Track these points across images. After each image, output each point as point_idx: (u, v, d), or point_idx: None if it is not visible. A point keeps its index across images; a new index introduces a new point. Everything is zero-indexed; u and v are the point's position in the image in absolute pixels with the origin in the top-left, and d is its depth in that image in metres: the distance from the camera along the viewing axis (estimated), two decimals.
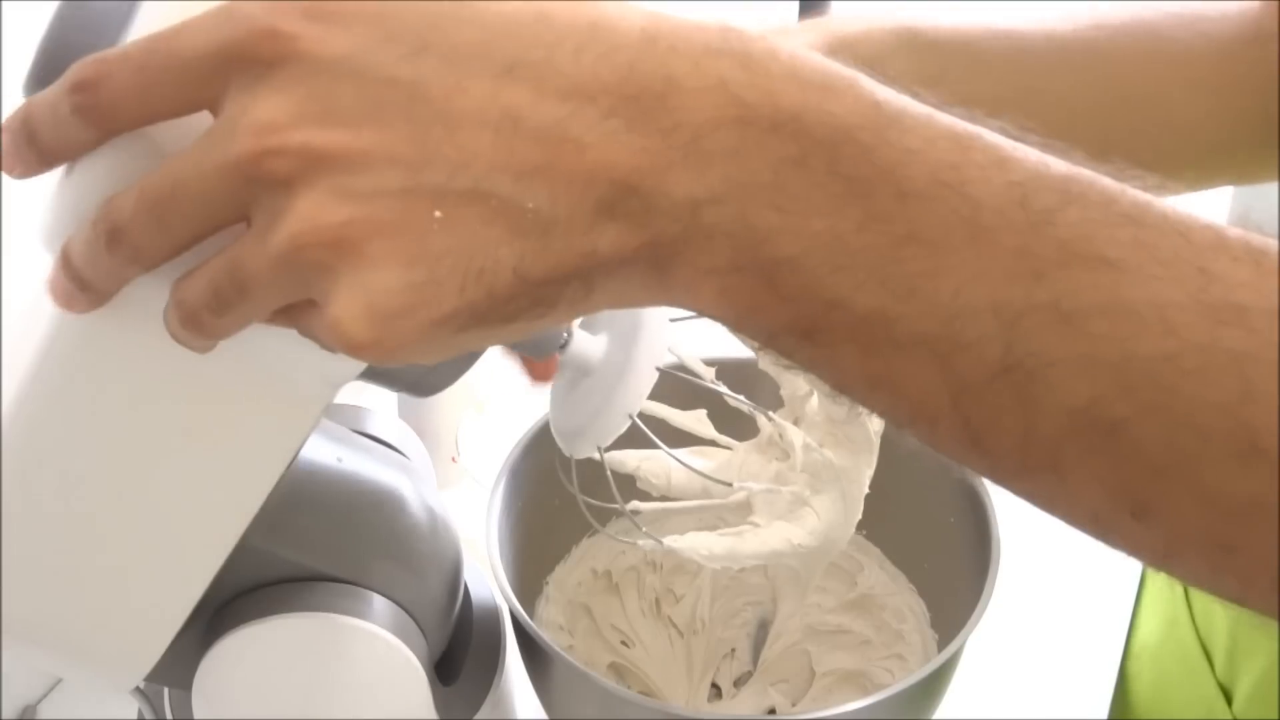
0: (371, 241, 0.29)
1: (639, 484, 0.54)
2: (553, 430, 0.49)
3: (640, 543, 0.54)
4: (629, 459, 0.52)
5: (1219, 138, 0.55)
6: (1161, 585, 0.75)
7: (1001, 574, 0.56)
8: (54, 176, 0.37)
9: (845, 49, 0.50)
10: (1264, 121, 0.54)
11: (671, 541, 0.52)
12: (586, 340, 0.46)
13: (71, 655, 0.45)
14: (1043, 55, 0.53)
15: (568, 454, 0.49)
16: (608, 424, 0.46)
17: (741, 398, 0.53)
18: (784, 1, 1.15)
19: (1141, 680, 0.74)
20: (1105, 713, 0.70)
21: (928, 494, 0.63)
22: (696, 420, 0.55)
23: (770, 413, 0.53)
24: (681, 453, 0.54)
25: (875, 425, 0.51)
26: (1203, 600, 0.70)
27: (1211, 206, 1.06)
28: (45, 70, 0.37)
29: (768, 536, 0.52)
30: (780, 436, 0.53)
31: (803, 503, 0.52)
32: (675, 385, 0.49)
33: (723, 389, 0.52)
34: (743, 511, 0.54)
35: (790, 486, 0.52)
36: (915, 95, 0.32)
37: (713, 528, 0.55)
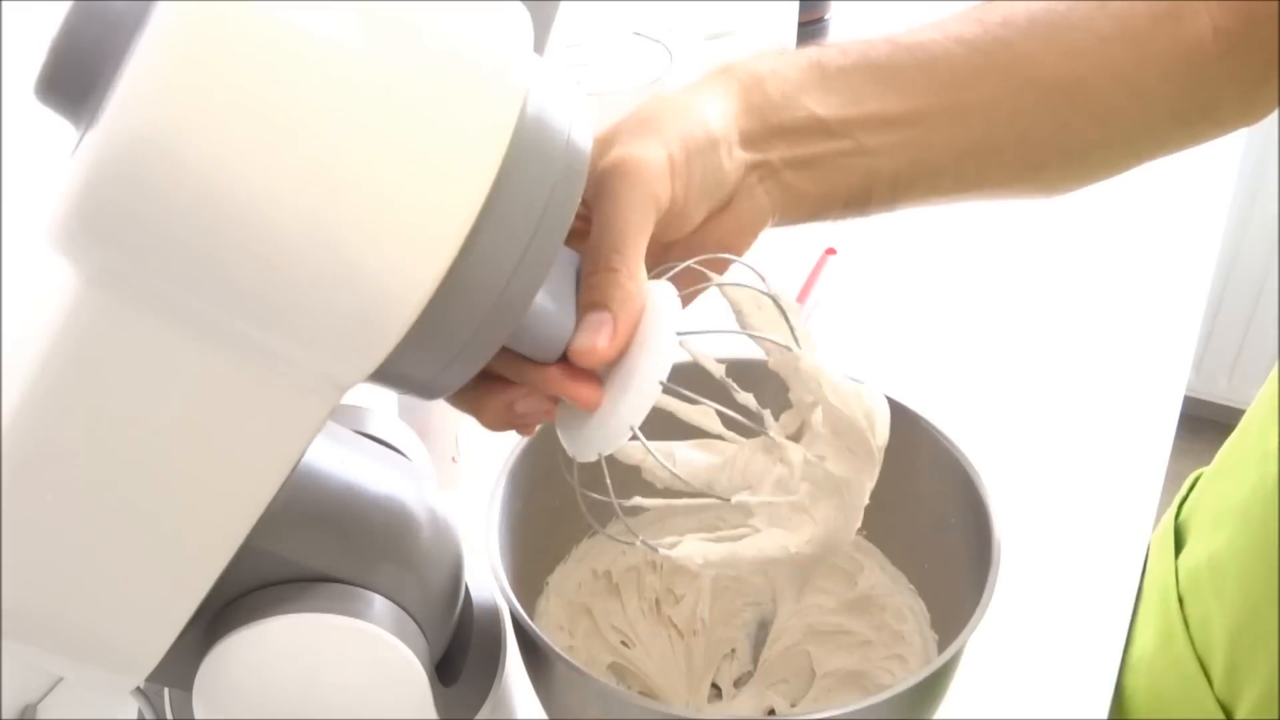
0: None
1: (644, 475, 0.55)
2: (558, 432, 0.50)
3: (636, 543, 0.54)
4: (635, 452, 0.53)
5: (1137, 123, 0.55)
6: (1155, 598, 0.75)
7: (1001, 574, 0.56)
8: (55, 176, 0.37)
9: (758, 89, 0.50)
10: (1174, 103, 0.54)
11: (666, 550, 0.52)
12: None
13: (73, 655, 0.45)
14: (958, 61, 0.52)
15: (571, 456, 0.49)
16: (610, 434, 0.46)
17: (750, 396, 0.53)
18: (784, 1, 1.15)
19: (1139, 692, 0.74)
20: (1105, 713, 0.70)
21: (928, 494, 0.63)
22: (703, 415, 0.55)
23: (772, 424, 0.53)
24: (687, 445, 0.54)
25: (879, 439, 0.52)
26: (1199, 617, 0.70)
27: (1215, 198, 1.07)
28: (55, 71, 0.37)
29: (764, 543, 0.52)
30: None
31: (803, 510, 0.52)
32: (686, 380, 0.49)
33: (731, 386, 0.52)
34: (743, 511, 0.54)
35: (790, 497, 0.52)
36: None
37: (713, 527, 0.54)
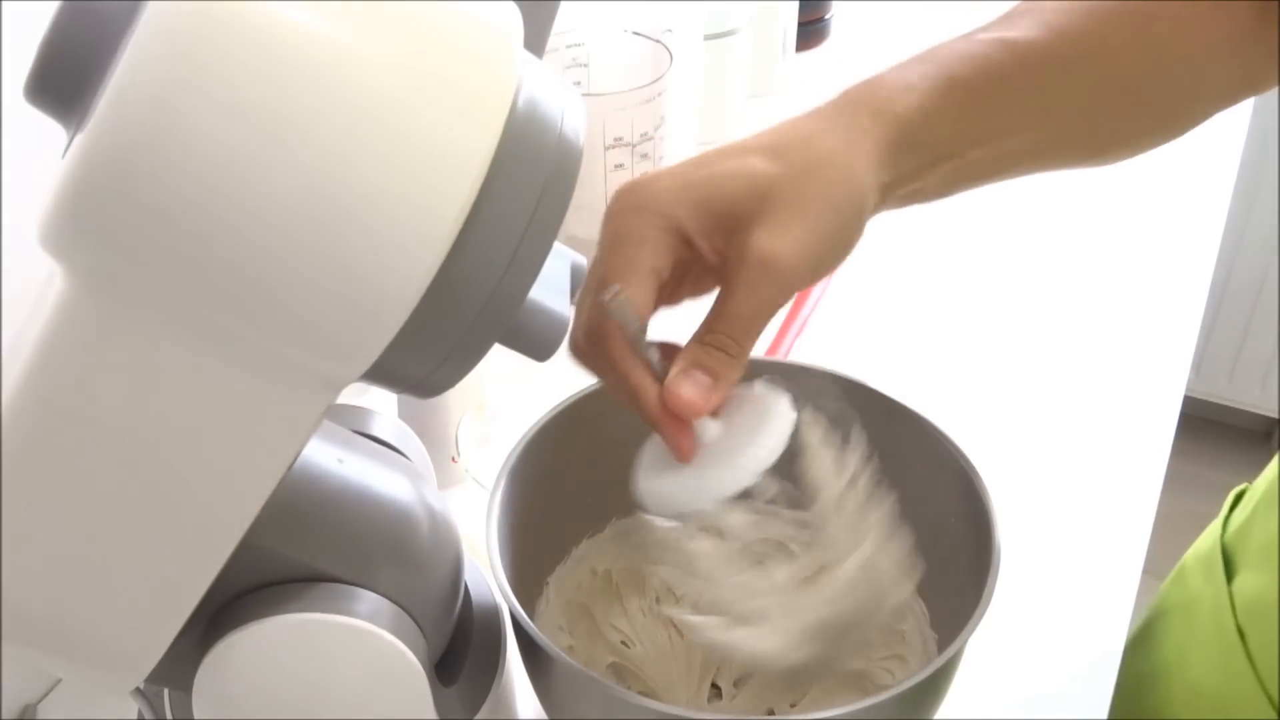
0: None
1: (669, 549, 0.58)
2: (639, 482, 0.52)
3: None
4: (671, 530, 0.55)
5: (1190, 105, 0.56)
6: (1207, 623, 0.74)
7: (1001, 574, 0.56)
8: (54, 176, 0.37)
9: (894, 129, 0.50)
10: (1222, 82, 0.56)
11: (684, 615, 0.56)
12: (708, 420, 0.50)
13: (72, 656, 0.45)
14: (1054, 60, 0.53)
15: (652, 513, 0.52)
16: (697, 497, 0.49)
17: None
18: (785, 1, 1.15)
19: None
20: (1105, 713, 0.70)
21: (927, 494, 0.63)
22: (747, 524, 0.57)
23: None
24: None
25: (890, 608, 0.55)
26: (1266, 655, 0.69)
27: (1215, 198, 1.06)
28: (45, 72, 0.37)
29: (754, 641, 0.53)
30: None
31: (793, 632, 0.54)
32: None
33: (778, 511, 0.56)
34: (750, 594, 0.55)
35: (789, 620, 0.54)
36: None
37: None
